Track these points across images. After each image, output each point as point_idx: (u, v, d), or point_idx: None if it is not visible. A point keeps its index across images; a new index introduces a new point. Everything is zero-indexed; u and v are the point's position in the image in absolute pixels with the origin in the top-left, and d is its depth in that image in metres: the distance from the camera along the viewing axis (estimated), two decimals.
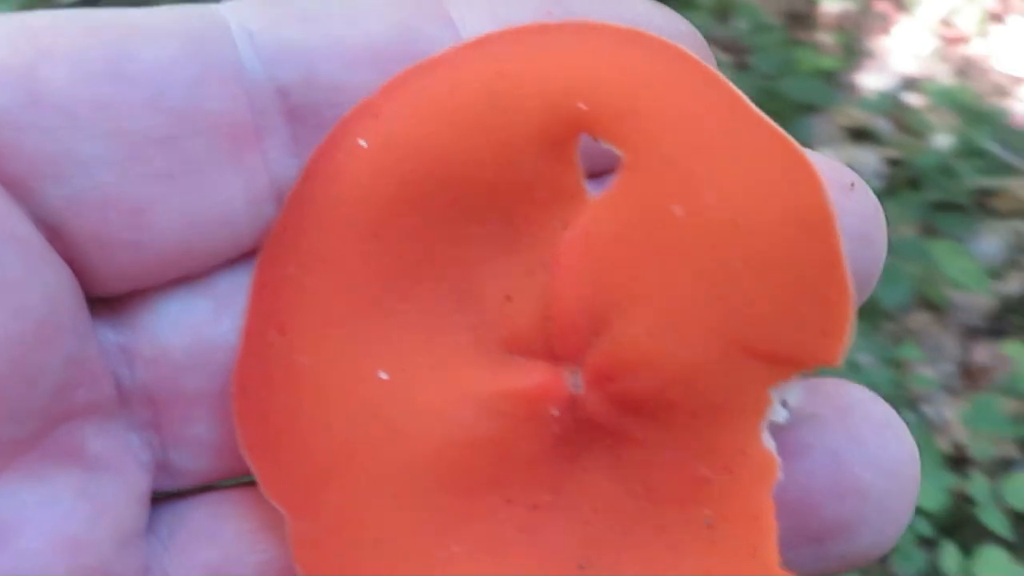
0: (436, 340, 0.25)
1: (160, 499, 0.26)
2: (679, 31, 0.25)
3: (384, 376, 0.25)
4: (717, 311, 0.23)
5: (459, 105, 0.24)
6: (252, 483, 0.25)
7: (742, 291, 0.22)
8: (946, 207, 1.08)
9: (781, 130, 0.23)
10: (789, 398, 0.23)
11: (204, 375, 0.25)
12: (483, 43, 0.24)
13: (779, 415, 0.23)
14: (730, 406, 0.23)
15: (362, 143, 0.25)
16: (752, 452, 0.23)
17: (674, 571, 0.23)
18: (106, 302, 0.25)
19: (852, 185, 0.25)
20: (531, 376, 0.24)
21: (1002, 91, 1.23)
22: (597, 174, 0.25)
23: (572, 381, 0.24)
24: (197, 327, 0.25)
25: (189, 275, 0.25)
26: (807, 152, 0.23)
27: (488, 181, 0.24)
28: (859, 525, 0.25)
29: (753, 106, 0.23)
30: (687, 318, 0.23)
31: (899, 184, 1.11)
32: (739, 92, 0.23)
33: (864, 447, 0.25)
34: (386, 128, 0.25)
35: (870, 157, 1.14)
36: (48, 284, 0.22)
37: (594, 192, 0.24)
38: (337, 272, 0.25)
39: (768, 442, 0.23)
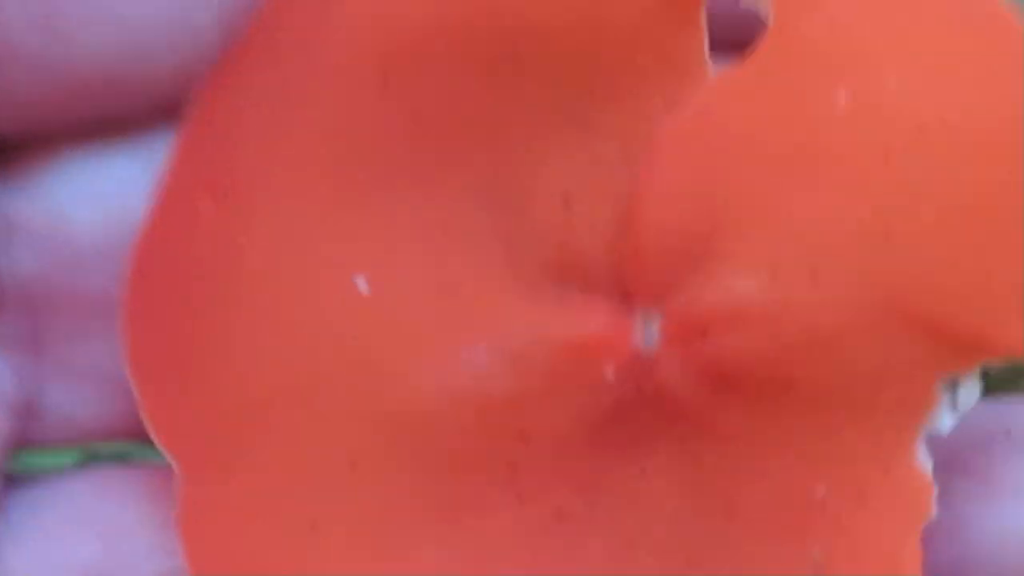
0: (450, 249, 0.17)
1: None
2: None
3: (363, 287, 0.17)
4: (876, 253, 0.15)
5: None
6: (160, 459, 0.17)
7: (918, 228, 0.15)
8: None
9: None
10: (960, 399, 0.16)
11: (113, 267, 0.17)
12: None
13: (943, 422, 0.16)
14: (875, 400, 0.16)
15: None
16: (898, 472, 0.16)
17: None
18: None
19: None
20: (585, 318, 0.16)
21: None
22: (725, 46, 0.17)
23: (645, 332, 0.16)
24: (114, 198, 0.18)
25: (115, 119, 0.18)
26: None
27: (565, 23, 0.17)
28: None
29: None
30: (831, 260, 0.15)
31: None
32: None
33: None
34: None
35: None
36: None
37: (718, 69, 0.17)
38: (318, 127, 0.17)
39: (924, 460, 0.16)
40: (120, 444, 0.19)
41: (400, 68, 0.17)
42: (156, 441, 0.17)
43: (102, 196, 0.18)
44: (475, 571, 0.16)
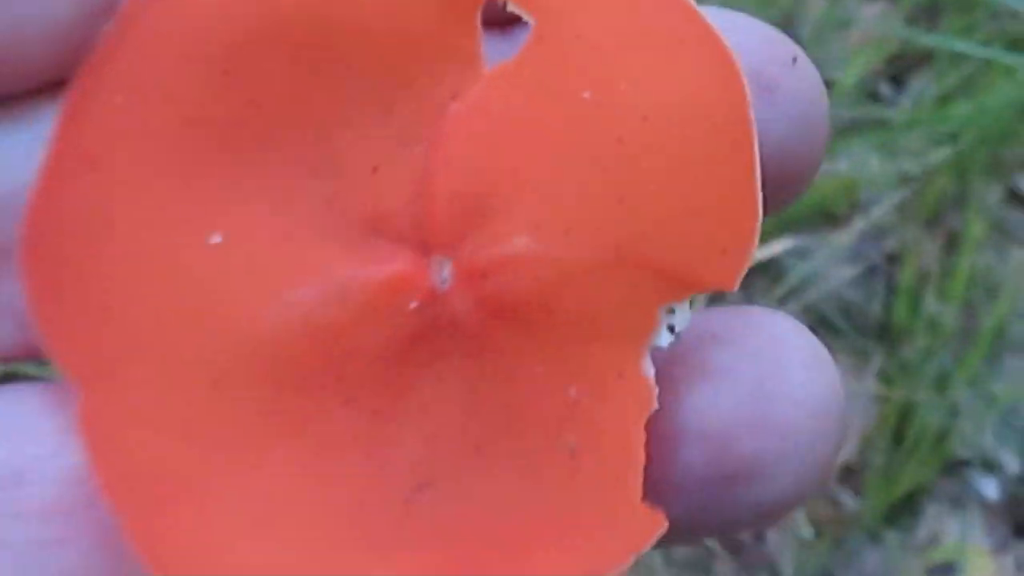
0: (284, 207, 0.21)
1: None
2: None
3: (216, 240, 0.21)
4: (613, 214, 0.20)
5: None
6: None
7: (643, 195, 0.20)
8: None
9: (710, 23, 0.20)
10: (677, 321, 0.21)
11: (6, 221, 0.21)
12: None
13: (663, 339, 0.21)
14: (612, 323, 0.20)
15: None
16: (629, 377, 0.20)
17: (527, 500, 0.21)
18: None
19: (794, 60, 0.22)
20: (392, 262, 0.21)
21: None
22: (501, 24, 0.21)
23: (439, 274, 0.21)
24: (9, 165, 0.21)
25: (7, 95, 0.21)
26: (746, 26, 0.22)
27: (372, 29, 0.21)
28: (777, 466, 0.22)
29: None
30: (578, 218, 0.20)
31: None
32: None
33: (790, 381, 0.22)
34: None
35: None
36: None
37: (495, 57, 0.21)
38: (175, 107, 0.21)
39: (648, 368, 0.21)
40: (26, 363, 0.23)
41: (238, 60, 0.21)
42: (56, 362, 0.21)
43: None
44: (317, 463, 0.21)
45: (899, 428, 0.78)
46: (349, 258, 0.21)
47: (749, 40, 0.21)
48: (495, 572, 0.20)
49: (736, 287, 0.20)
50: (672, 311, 0.20)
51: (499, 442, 0.21)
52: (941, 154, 0.78)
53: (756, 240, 0.20)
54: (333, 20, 0.21)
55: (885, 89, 0.84)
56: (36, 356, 0.22)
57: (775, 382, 0.21)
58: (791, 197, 0.23)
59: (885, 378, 0.78)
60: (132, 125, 0.21)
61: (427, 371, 0.21)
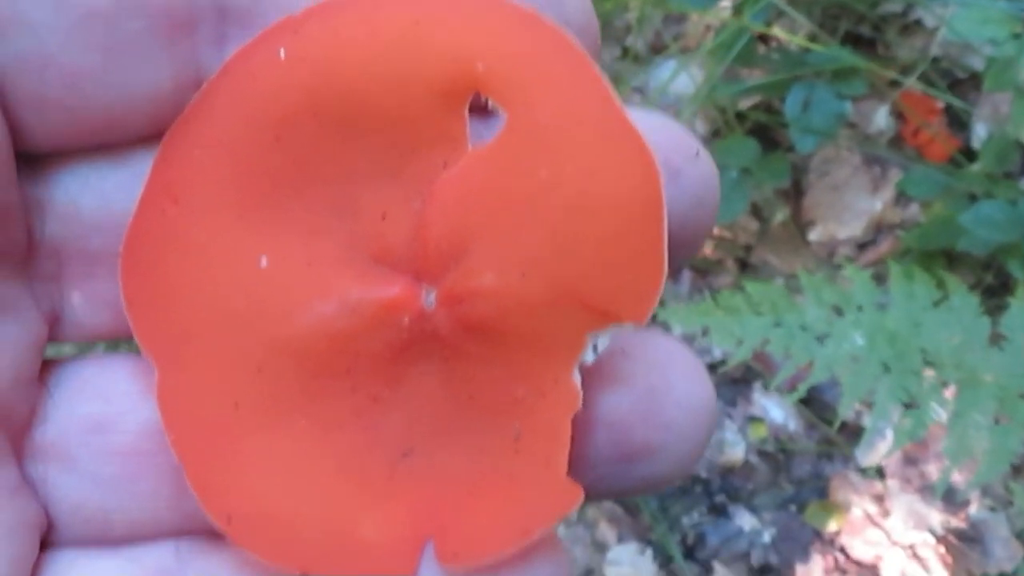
0: (315, 241, 0.29)
1: (51, 358, 0.29)
2: (578, 21, 0.28)
3: (264, 263, 0.28)
4: (558, 262, 0.27)
5: (375, 41, 0.27)
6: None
7: (580, 250, 0.27)
8: None
9: (636, 126, 0.26)
10: (599, 343, 0.28)
11: (109, 236, 0.29)
12: None
13: (588, 356, 0.28)
14: (553, 342, 0.28)
15: (281, 53, 0.27)
16: (563, 383, 0.28)
17: (482, 469, 0.28)
18: (30, 158, 0.27)
19: (697, 153, 0.28)
20: (392, 287, 0.28)
21: None
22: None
23: (426, 298, 0.28)
24: (109, 192, 0.29)
25: (112, 144, 0.28)
26: (662, 125, 0.28)
27: (387, 112, 0.28)
28: (662, 451, 0.29)
29: (618, 100, 0.26)
30: (533, 263, 0.27)
31: None
32: (608, 86, 0.26)
33: (674, 388, 0.28)
34: (305, 45, 0.27)
35: None
36: None
37: (477, 137, 0.28)
38: (237, 162, 0.28)
39: (576, 377, 0.28)
40: (113, 342, 0.31)
41: (286, 129, 0.28)
42: (141, 348, 0.28)
43: (102, 192, 0.28)
44: (329, 432, 0.28)
45: None
46: (361, 282, 0.28)
47: (663, 137, 0.28)
48: (453, 521, 0.27)
49: (646, 323, 0.27)
50: (597, 336, 0.27)
51: (464, 424, 0.29)
52: None
53: (661, 290, 0.27)
54: (359, 104, 0.28)
55: None
56: (110, 338, 0.30)
57: (662, 389, 0.28)
58: (689, 255, 0.29)
59: None
60: (206, 172, 0.28)
61: (414, 369, 0.29)
